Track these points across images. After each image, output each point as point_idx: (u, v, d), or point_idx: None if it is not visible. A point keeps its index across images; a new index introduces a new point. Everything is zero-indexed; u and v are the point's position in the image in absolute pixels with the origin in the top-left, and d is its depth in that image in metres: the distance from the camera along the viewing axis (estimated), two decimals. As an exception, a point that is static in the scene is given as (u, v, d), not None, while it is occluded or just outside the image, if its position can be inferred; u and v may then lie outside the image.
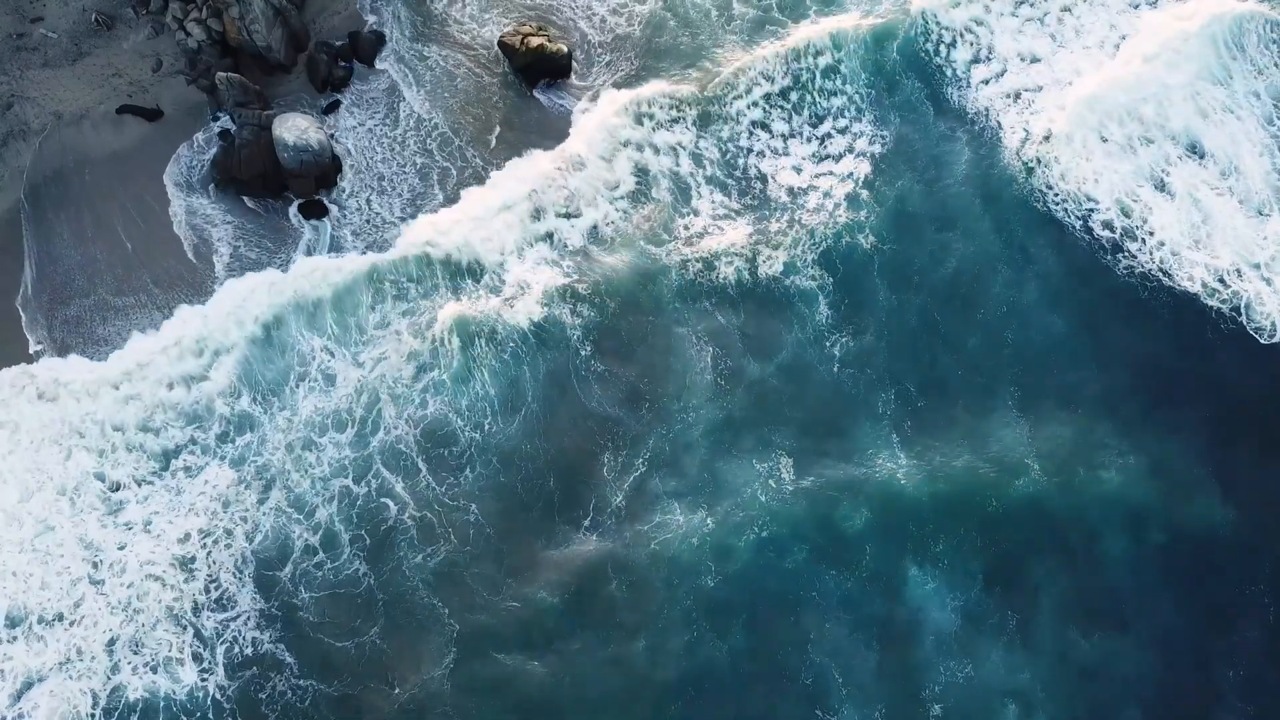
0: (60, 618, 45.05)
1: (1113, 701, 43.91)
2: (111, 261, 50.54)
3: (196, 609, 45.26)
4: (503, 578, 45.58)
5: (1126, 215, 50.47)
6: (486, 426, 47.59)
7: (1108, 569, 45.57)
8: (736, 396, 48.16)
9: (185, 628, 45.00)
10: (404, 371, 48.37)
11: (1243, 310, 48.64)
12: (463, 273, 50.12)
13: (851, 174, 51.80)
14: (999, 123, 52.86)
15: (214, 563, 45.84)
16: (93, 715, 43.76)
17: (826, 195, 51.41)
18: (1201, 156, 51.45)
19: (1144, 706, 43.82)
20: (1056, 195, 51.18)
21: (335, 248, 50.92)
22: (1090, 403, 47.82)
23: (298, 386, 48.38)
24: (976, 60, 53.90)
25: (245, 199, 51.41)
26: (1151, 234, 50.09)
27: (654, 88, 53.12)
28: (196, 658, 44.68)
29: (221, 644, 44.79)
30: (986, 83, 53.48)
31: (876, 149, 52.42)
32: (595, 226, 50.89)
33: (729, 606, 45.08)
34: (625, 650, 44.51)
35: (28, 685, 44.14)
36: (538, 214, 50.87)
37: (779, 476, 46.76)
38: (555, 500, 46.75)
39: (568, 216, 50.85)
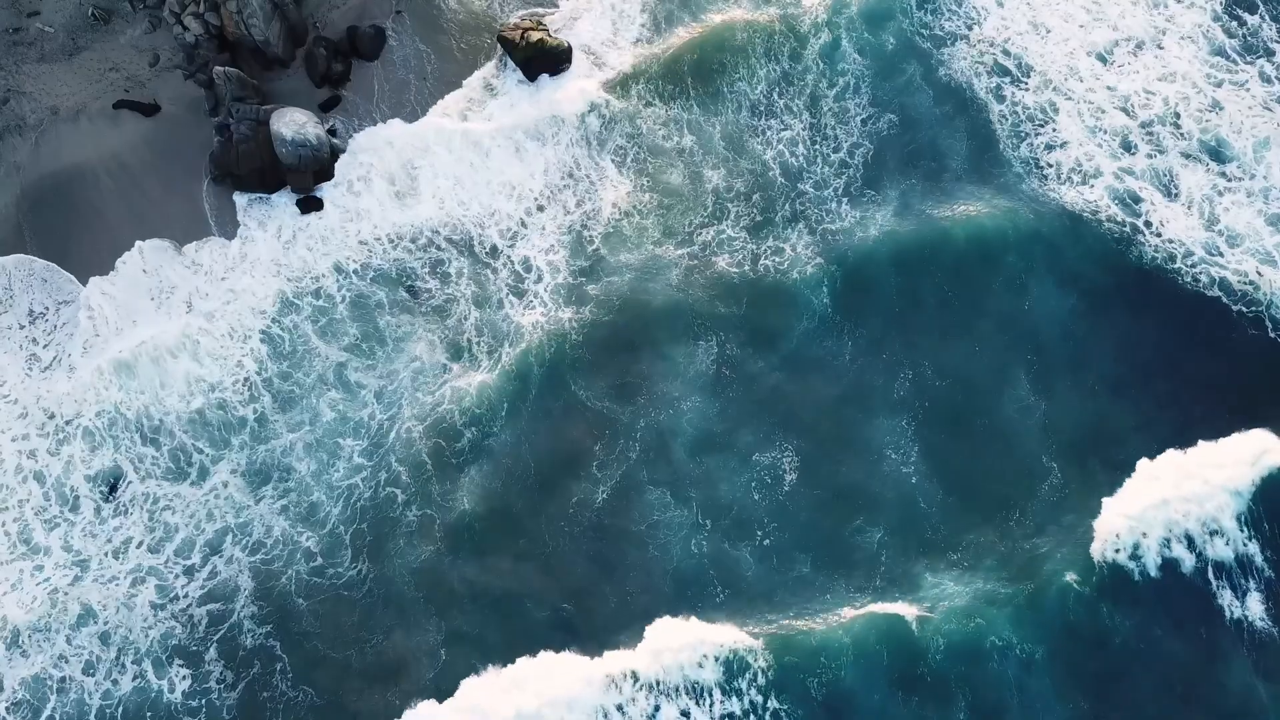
0: (49, 620, 44.97)
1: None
2: (110, 258, 50.16)
3: (191, 610, 45.08)
4: (502, 578, 45.50)
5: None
6: (489, 426, 47.31)
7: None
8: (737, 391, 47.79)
9: (181, 628, 44.81)
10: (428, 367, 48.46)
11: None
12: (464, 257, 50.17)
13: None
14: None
15: (213, 560, 45.70)
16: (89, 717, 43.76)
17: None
18: None
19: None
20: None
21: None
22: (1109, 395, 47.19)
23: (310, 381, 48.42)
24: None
25: (239, 194, 51.02)
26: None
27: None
28: (193, 659, 44.45)
29: (217, 644, 44.60)
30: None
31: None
32: (600, 212, 50.32)
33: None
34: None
35: (21, 684, 44.15)
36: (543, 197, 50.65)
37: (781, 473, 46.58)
38: (553, 498, 46.54)
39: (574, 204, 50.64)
